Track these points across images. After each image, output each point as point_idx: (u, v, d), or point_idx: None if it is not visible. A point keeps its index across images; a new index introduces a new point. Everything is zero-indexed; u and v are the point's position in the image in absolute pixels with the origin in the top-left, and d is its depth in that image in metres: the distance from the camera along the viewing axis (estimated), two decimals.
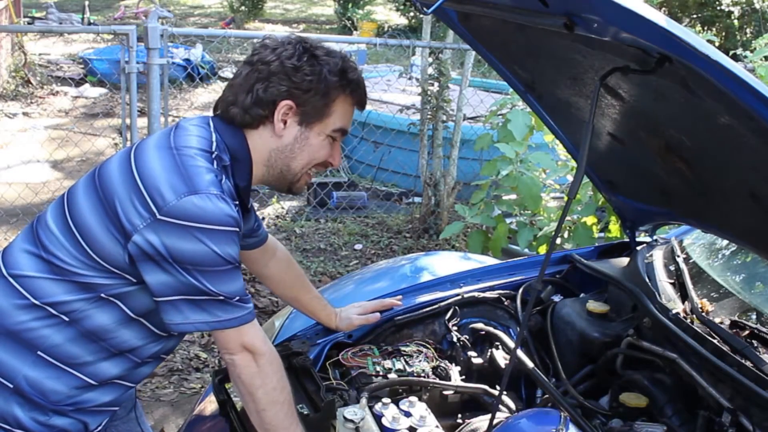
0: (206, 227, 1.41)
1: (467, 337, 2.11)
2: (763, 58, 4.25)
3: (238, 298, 1.50)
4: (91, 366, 1.56)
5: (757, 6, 13.70)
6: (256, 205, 1.93)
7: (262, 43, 1.64)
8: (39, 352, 1.52)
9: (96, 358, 1.56)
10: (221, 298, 1.47)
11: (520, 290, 2.26)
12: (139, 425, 1.90)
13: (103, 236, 1.48)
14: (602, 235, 4.03)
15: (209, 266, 1.44)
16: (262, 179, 1.67)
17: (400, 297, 2.19)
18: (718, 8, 14.30)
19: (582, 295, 2.26)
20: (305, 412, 1.67)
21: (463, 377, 1.97)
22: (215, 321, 1.48)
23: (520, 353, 1.91)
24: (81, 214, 1.51)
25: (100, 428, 1.64)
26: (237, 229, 1.47)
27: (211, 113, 1.67)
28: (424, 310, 2.17)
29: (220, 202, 1.43)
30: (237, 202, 1.55)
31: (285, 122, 1.60)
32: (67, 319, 1.52)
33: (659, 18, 1.14)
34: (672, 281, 2.08)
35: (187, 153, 1.48)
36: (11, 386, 1.52)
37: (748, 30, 14.16)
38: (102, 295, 1.52)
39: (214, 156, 1.52)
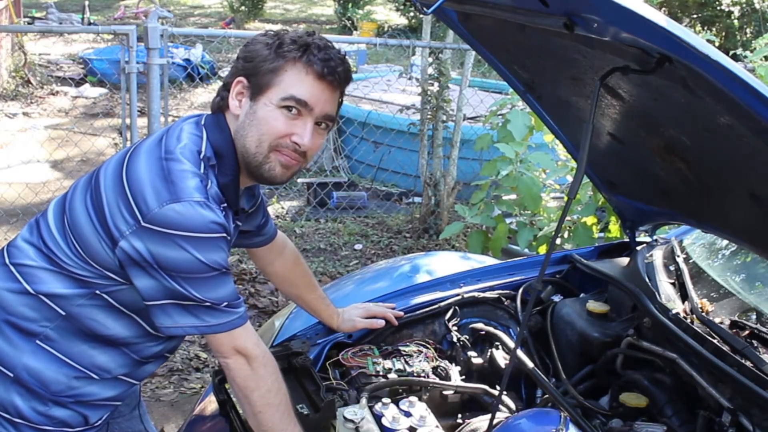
0: (189, 235, 1.40)
1: (467, 337, 2.11)
2: (763, 58, 4.25)
3: (226, 303, 1.49)
4: (89, 358, 1.57)
5: (757, 6, 13.70)
6: None
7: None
8: (37, 342, 1.53)
9: (93, 350, 1.57)
10: (207, 304, 1.46)
11: (520, 290, 2.26)
12: (143, 423, 1.90)
13: (94, 239, 1.48)
14: (602, 235, 4.03)
15: (193, 273, 1.43)
16: (243, 172, 1.60)
17: (400, 314, 2.13)
18: (718, 8, 14.31)
19: (582, 295, 2.26)
20: (305, 412, 1.67)
21: (463, 377, 1.97)
22: (204, 325, 1.48)
23: (520, 353, 1.91)
24: (75, 216, 1.52)
25: (100, 422, 1.65)
26: (223, 235, 1.45)
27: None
28: (424, 310, 2.17)
29: (203, 210, 1.42)
30: (225, 204, 1.54)
31: (240, 101, 1.56)
32: (62, 312, 1.52)
33: (659, 18, 1.14)
34: (672, 281, 2.08)
35: (174, 157, 1.47)
36: (11, 375, 1.53)
37: (748, 30, 14.17)
38: (96, 291, 1.53)
39: (202, 157, 1.51)
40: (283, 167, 1.57)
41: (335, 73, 1.54)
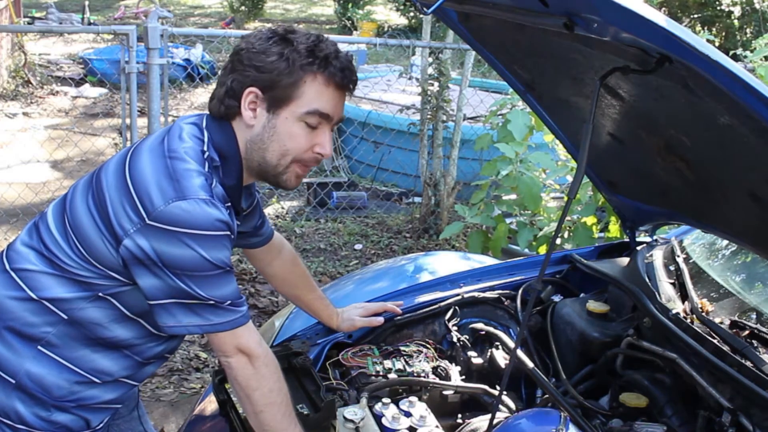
0: (195, 233, 1.40)
1: (467, 337, 2.11)
2: (763, 58, 4.25)
3: (229, 302, 1.49)
4: (90, 362, 1.56)
5: (757, 6, 13.70)
6: None
7: (245, 35, 1.62)
8: (39, 347, 1.53)
9: (95, 354, 1.56)
10: (212, 302, 1.46)
11: (520, 290, 2.26)
12: (142, 424, 1.90)
13: (97, 239, 1.48)
14: (602, 235, 4.03)
15: (199, 271, 1.43)
16: (249, 174, 1.61)
17: (400, 303, 2.17)
18: (718, 8, 14.30)
19: (582, 295, 2.26)
20: (305, 412, 1.67)
21: (463, 377, 1.97)
22: (207, 324, 1.48)
23: (520, 353, 1.91)
24: (77, 216, 1.51)
25: (101, 425, 1.65)
26: (227, 233, 1.45)
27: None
28: (424, 310, 2.17)
29: (208, 207, 1.41)
30: (229, 204, 1.54)
31: (254, 111, 1.54)
32: (65, 316, 1.52)
33: (659, 18, 1.14)
34: (672, 281, 2.08)
35: (178, 156, 1.47)
36: (13, 382, 1.53)
37: (748, 30, 14.16)
38: (99, 293, 1.52)
39: (206, 156, 1.50)
40: (298, 178, 1.61)
41: (352, 81, 1.57)
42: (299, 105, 1.52)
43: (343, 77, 1.54)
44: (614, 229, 3.88)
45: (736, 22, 14.47)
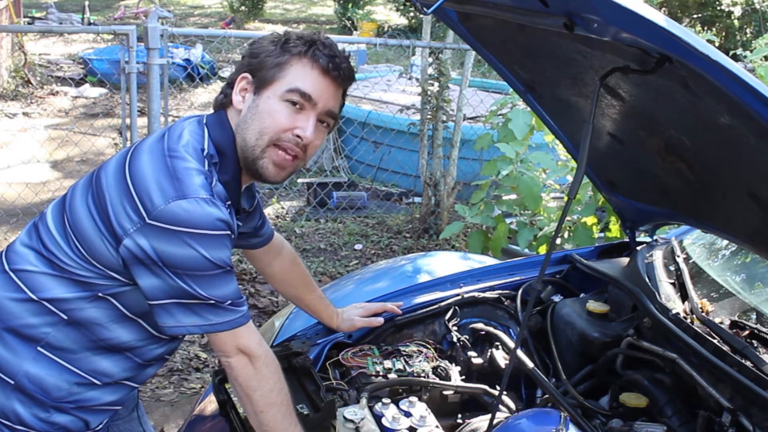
0: (195, 232, 1.40)
1: (467, 337, 2.11)
2: (763, 58, 4.25)
3: (230, 302, 1.49)
4: (90, 364, 1.56)
5: (757, 6, 13.70)
6: None
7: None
8: (39, 348, 1.53)
9: (95, 356, 1.56)
10: (212, 302, 1.46)
11: (520, 290, 2.26)
12: (141, 425, 1.90)
13: (97, 239, 1.48)
14: (602, 235, 4.03)
15: (199, 271, 1.43)
16: (243, 167, 1.59)
17: (400, 303, 2.17)
18: (718, 8, 14.31)
19: (582, 295, 2.26)
20: (305, 412, 1.67)
21: (463, 377, 1.98)
22: (207, 324, 1.48)
23: (520, 353, 1.91)
24: (77, 216, 1.51)
25: (101, 427, 1.64)
26: (228, 233, 1.45)
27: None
28: (424, 310, 2.17)
29: (209, 207, 1.41)
30: (229, 203, 1.54)
31: (244, 96, 1.58)
32: (65, 316, 1.52)
33: (659, 18, 1.14)
34: (672, 281, 2.08)
35: (178, 155, 1.47)
36: (12, 383, 1.52)
37: (748, 30, 14.17)
38: (99, 294, 1.52)
39: (205, 154, 1.51)
40: (277, 167, 1.57)
41: (340, 68, 1.56)
42: (282, 84, 1.54)
43: (329, 61, 1.55)
44: (614, 229, 3.88)
45: (736, 22, 14.48)
